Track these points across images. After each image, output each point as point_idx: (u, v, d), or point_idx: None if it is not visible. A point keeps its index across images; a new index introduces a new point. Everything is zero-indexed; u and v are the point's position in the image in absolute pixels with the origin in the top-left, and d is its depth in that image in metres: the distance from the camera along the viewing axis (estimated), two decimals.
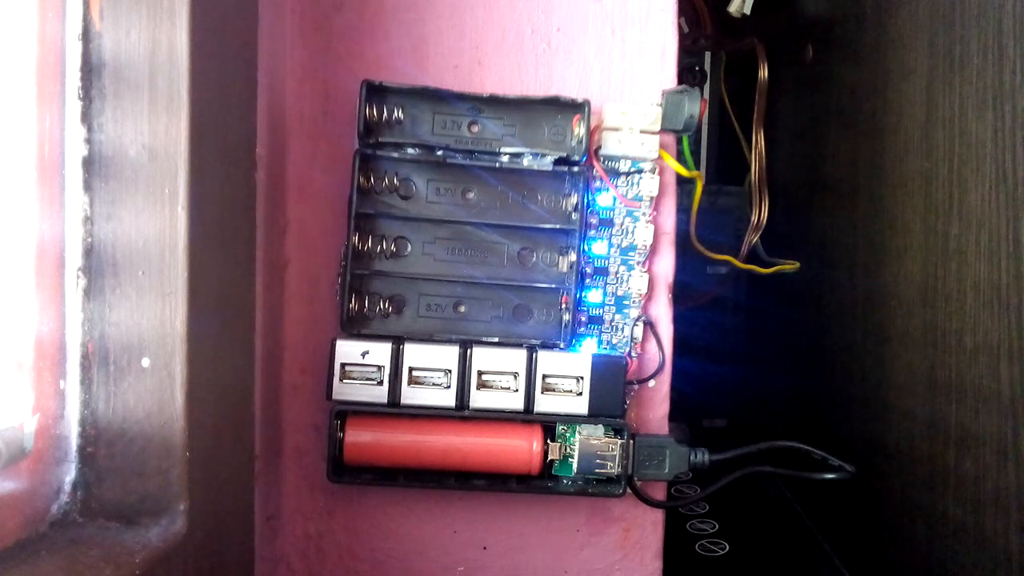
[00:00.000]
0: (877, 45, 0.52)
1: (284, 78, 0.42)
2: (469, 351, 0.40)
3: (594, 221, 0.42)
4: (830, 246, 0.59)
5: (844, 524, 0.56)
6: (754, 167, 0.62)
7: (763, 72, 0.63)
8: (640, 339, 0.43)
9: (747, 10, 0.63)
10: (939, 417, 0.43)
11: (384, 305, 0.41)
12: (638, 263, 0.42)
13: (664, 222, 0.43)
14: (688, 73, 0.70)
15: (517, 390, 0.40)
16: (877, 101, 0.51)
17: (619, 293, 0.43)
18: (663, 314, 0.43)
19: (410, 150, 0.41)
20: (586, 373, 0.40)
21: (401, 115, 0.40)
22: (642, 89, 0.43)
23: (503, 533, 0.44)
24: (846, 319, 0.56)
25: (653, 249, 0.43)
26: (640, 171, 0.42)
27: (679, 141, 0.44)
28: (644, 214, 0.42)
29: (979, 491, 0.40)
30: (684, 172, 0.43)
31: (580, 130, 0.41)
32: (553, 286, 0.41)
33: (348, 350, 0.40)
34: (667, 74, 0.43)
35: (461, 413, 0.40)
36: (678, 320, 0.44)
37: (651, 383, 0.44)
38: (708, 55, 0.76)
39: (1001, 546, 0.38)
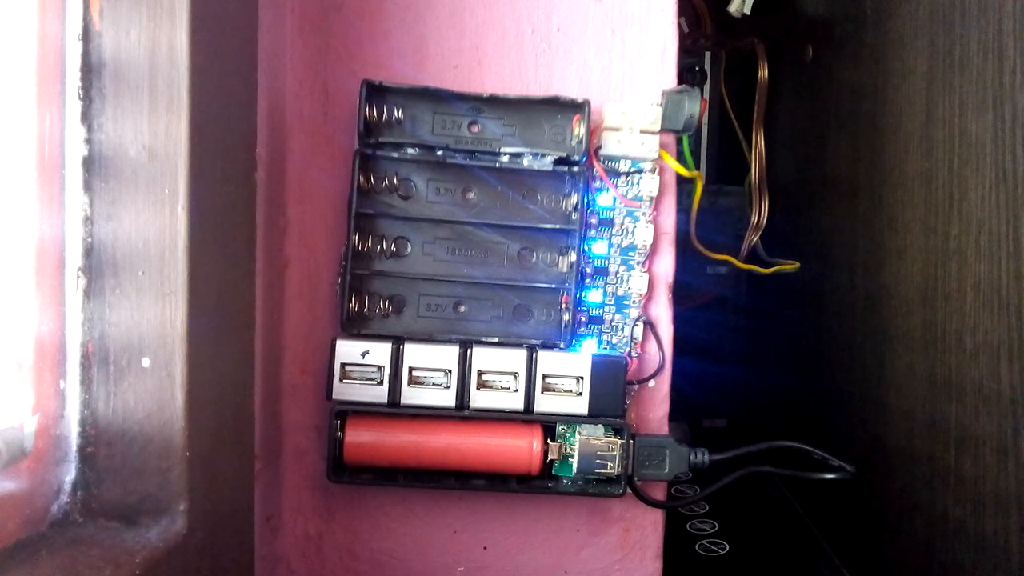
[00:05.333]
0: (877, 45, 0.52)
1: (284, 78, 0.42)
2: (469, 351, 0.40)
3: (594, 221, 0.42)
4: (830, 246, 0.59)
5: (844, 524, 0.56)
6: (754, 167, 0.62)
7: (763, 72, 0.63)
8: (640, 339, 0.43)
9: (747, 10, 0.63)
10: (939, 417, 0.43)
11: (384, 305, 0.41)
12: (638, 263, 0.42)
13: (664, 222, 0.43)
14: (688, 73, 0.70)
15: (517, 390, 0.40)
16: (877, 101, 0.51)
17: (619, 293, 0.43)
18: (663, 314, 0.43)
19: (410, 150, 0.41)
20: (586, 373, 0.40)
21: (401, 115, 0.40)
22: (642, 89, 0.43)
23: (503, 533, 0.44)
24: (846, 319, 0.56)
25: (653, 249, 0.43)
26: (640, 171, 0.42)
27: (679, 141, 0.44)
28: (644, 214, 0.42)
29: (979, 491, 0.40)
30: (684, 172, 0.43)
31: (580, 130, 0.41)
32: (553, 286, 0.41)
33: (348, 350, 0.40)
34: (667, 74, 0.43)
35: (461, 413, 0.40)
36: (678, 320, 0.44)
37: (651, 383, 0.44)
38: (708, 55, 0.76)
39: (1001, 546, 0.38)
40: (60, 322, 0.30)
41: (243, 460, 0.37)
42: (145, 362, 0.30)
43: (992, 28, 0.39)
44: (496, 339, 0.41)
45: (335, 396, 0.40)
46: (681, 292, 0.44)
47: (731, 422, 0.79)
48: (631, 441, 0.41)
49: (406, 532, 0.44)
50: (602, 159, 0.42)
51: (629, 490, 0.41)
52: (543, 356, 0.40)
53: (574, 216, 0.41)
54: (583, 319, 0.42)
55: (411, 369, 0.40)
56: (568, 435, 0.40)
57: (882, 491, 0.50)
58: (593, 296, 0.42)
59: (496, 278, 0.41)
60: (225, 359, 0.34)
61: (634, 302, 0.43)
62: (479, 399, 0.40)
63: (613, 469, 0.40)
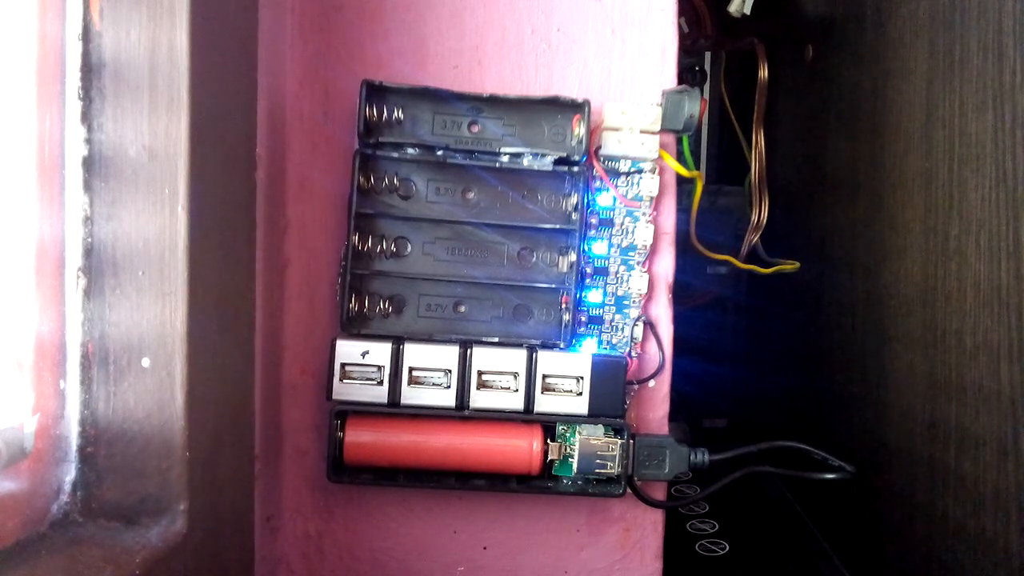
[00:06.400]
0: (877, 45, 0.52)
1: (284, 78, 0.42)
2: (469, 351, 0.40)
3: (594, 221, 0.42)
4: (830, 246, 0.59)
5: (844, 524, 0.56)
6: (754, 167, 0.62)
7: (763, 72, 0.63)
8: (640, 339, 0.43)
9: (747, 10, 0.63)
10: (939, 417, 0.43)
11: (384, 305, 0.41)
12: (638, 263, 0.42)
13: (664, 222, 0.43)
14: (688, 73, 0.70)
15: (517, 390, 0.40)
16: (877, 101, 0.51)
17: (619, 293, 0.43)
18: (663, 314, 0.43)
19: (410, 150, 0.41)
20: (586, 373, 0.40)
21: (401, 115, 0.40)
22: (642, 89, 0.43)
23: (503, 533, 0.44)
24: (846, 319, 0.56)
25: (653, 249, 0.43)
26: (640, 171, 0.42)
27: (679, 141, 0.44)
28: (644, 214, 0.42)
29: (979, 491, 0.40)
30: (684, 172, 0.43)
31: (580, 130, 0.41)
32: (553, 286, 0.41)
33: (348, 350, 0.40)
34: (667, 74, 0.43)
35: (461, 413, 0.40)
36: (678, 320, 0.44)
37: (651, 383, 0.44)
38: (708, 55, 0.76)
39: (1001, 546, 0.38)
40: (60, 322, 0.30)
41: (243, 460, 0.37)
42: (145, 362, 0.30)
43: (992, 28, 0.39)
44: (496, 339, 0.41)
45: (335, 396, 0.40)
46: (681, 292, 0.44)
47: (731, 422, 0.79)
48: (631, 441, 0.41)
49: (406, 532, 0.44)
50: (602, 159, 0.42)
51: (629, 490, 0.41)
52: (543, 356, 0.40)
53: (574, 216, 0.41)
54: (583, 319, 0.42)
55: (411, 369, 0.40)
56: (568, 435, 0.40)
57: (882, 491, 0.50)
58: (593, 296, 0.42)
59: (496, 278, 0.41)
60: (225, 359, 0.34)
61: (634, 302, 0.43)
62: (479, 399, 0.40)
63: (613, 469, 0.40)
